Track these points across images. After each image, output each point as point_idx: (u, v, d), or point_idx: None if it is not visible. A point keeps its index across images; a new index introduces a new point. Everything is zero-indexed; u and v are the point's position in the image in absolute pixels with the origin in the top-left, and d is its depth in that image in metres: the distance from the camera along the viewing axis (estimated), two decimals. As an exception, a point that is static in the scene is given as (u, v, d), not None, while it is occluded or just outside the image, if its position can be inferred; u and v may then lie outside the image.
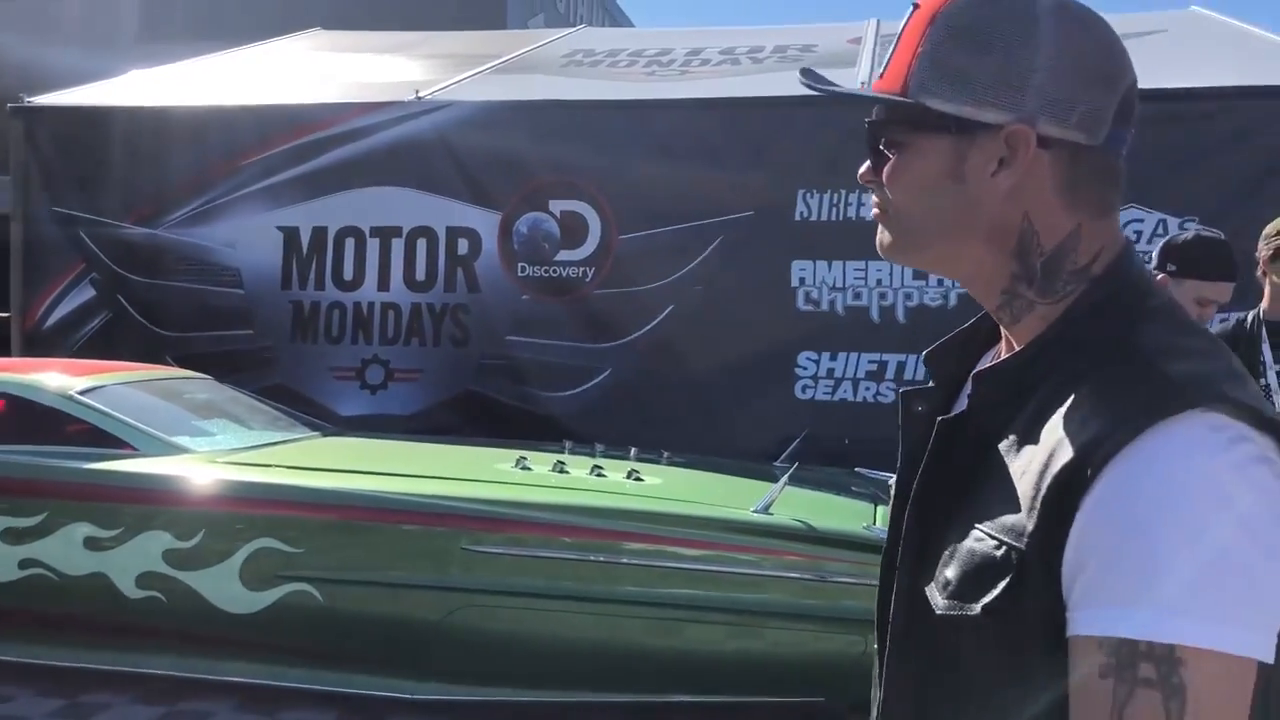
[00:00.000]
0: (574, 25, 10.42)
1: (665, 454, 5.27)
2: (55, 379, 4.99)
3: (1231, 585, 0.81)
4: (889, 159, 1.01)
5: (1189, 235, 3.29)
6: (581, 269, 7.05)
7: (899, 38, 1.01)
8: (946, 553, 0.95)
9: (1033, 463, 0.90)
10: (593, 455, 5.02)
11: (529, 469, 4.67)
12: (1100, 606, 0.83)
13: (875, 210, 1.05)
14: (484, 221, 7.19)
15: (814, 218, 6.75)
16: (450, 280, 7.25)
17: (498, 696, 4.21)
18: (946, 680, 0.95)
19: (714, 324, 6.72)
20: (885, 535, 1.09)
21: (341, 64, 9.26)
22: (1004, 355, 1.03)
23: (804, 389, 6.70)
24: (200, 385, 5.83)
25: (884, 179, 1.01)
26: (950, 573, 0.94)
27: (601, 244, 7.00)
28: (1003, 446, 0.94)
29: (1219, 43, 8.11)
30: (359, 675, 4.26)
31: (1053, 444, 0.89)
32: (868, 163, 1.04)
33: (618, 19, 36.56)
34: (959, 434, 0.99)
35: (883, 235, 1.04)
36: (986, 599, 0.89)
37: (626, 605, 4.10)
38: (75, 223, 7.73)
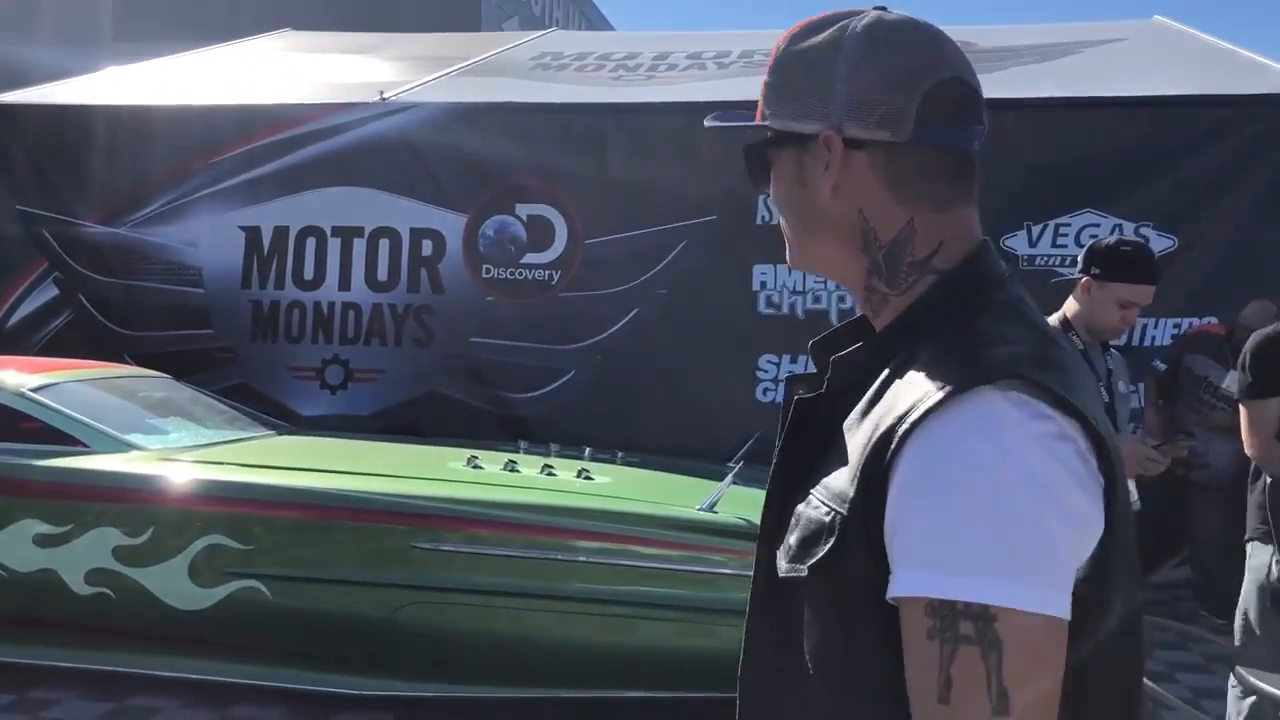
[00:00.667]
0: (548, 28, 10.43)
1: (619, 454, 5.31)
2: (9, 376, 4.98)
3: (1033, 548, 0.87)
4: (760, 176, 1.15)
5: (1112, 240, 3.36)
6: (547, 272, 7.08)
7: None
8: (793, 520, 1.02)
9: (860, 437, 0.98)
10: (546, 455, 5.05)
11: (480, 468, 4.70)
12: (916, 569, 0.89)
13: (776, 221, 1.17)
14: (449, 223, 7.21)
15: (775, 222, 6.75)
16: (414, 281, 7.26)
17: (446, 692, 4.23)
18: (791, 639, 1.01)
19: (678, 327, 6.76)
20: None
21: (310, 64, 9.26)
22: None
23: (764, 391, 6.75)
24: (157, 384, 5.82)
25: (776, 195, 1.13)
26: (792, 538, 1.01)
27: (568, 247, 7.03)
28: (845, 425, 1.01)
29: (1179, 52, 8.22)
30: (308, 671, 4.27)
31: (878, 417, 0.96)
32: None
33: (595, 23, 36.64)
34: (814, 415, 1.06)
35: (787, 250, 1.15)
36: (812, 560, 0.97)
37: (572, 602, 4.14)
38: (38, 221, 7.70)
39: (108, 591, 4.39)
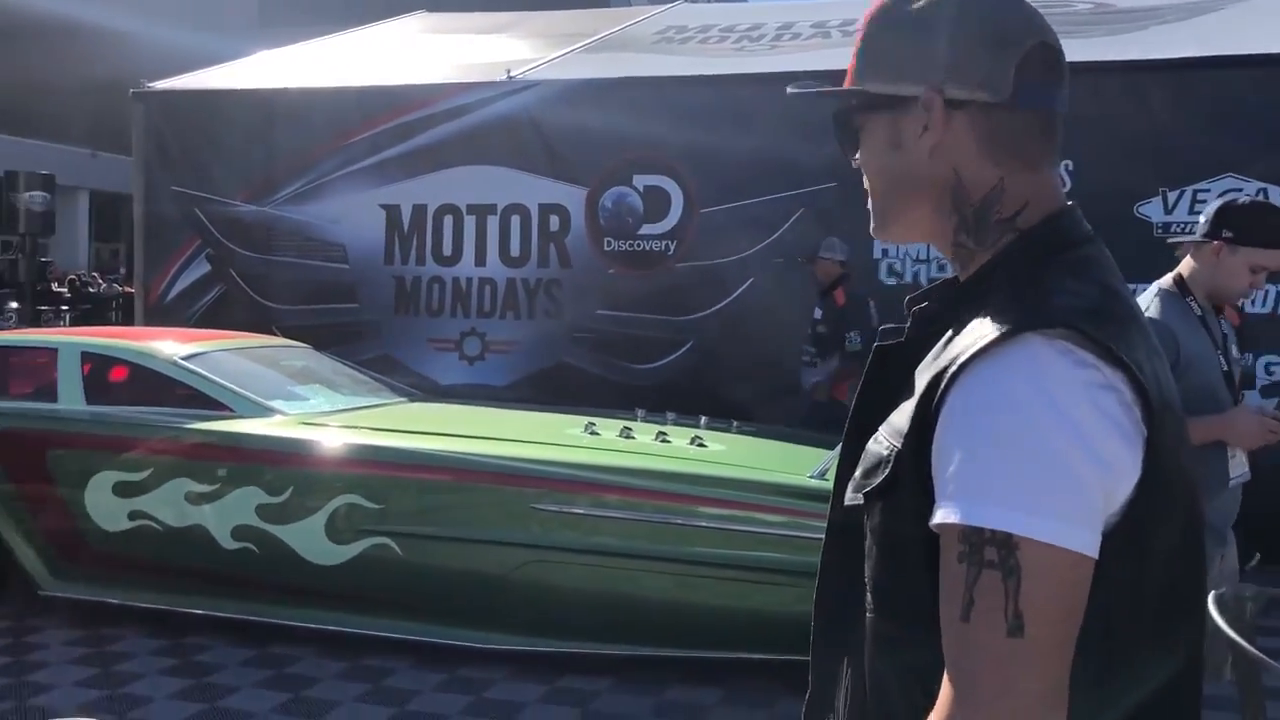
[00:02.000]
0: (673, 2, 10.49)
1: (735, 423, 5.38)
2: (163, 346, 5.34)
3: (1059, 484, 0.93)
4: (850, 143, 1.18)
5: (1245, 201, 3.23)
6: (664, 242, 7.18)
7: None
8: (862, 456, 1.10)
9: (924, 379, 1.04)
10: (662, 423, 5.16)
11: (597, 434, 4.84)
12: (953, 499, 0.95)
13: (865, 189, 1.17)
14: (572, 197, 7.38)
15: None
16: (543, 256, 7.48)
17: (561, 648, 4.39)
18: (854, 566, 1.09)
19: (795, 296, 6.78)
20: None
21: (444, 45, 9.54)
22: None
23: (885, 360, 6.71)
24: (298, 353, 6.14)
25: (865, 161, 1.16)
26: (858, 471, 1.10)
27: (683, 217, 7.11)
28: (918, 369, 1.08)
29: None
30: (434, 625, 4.50)
31: (939, 363, 1.03)
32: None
33: (728, -6, 36.28)
34: (892, 361, 1.13)
35: (872, 218, 1.17)
36: (868, 488, 1.06)
37: (686, 565, 4.24)
38: (191, 201, 8.18)
39: (251, 546, 4.69)
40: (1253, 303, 6.01)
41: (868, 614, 1.07)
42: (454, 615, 4.49)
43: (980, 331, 0.99)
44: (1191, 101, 6.37)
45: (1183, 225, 6.42)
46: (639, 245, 7.23)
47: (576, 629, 4.37)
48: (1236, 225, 3.09)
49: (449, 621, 4.49)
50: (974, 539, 0.93)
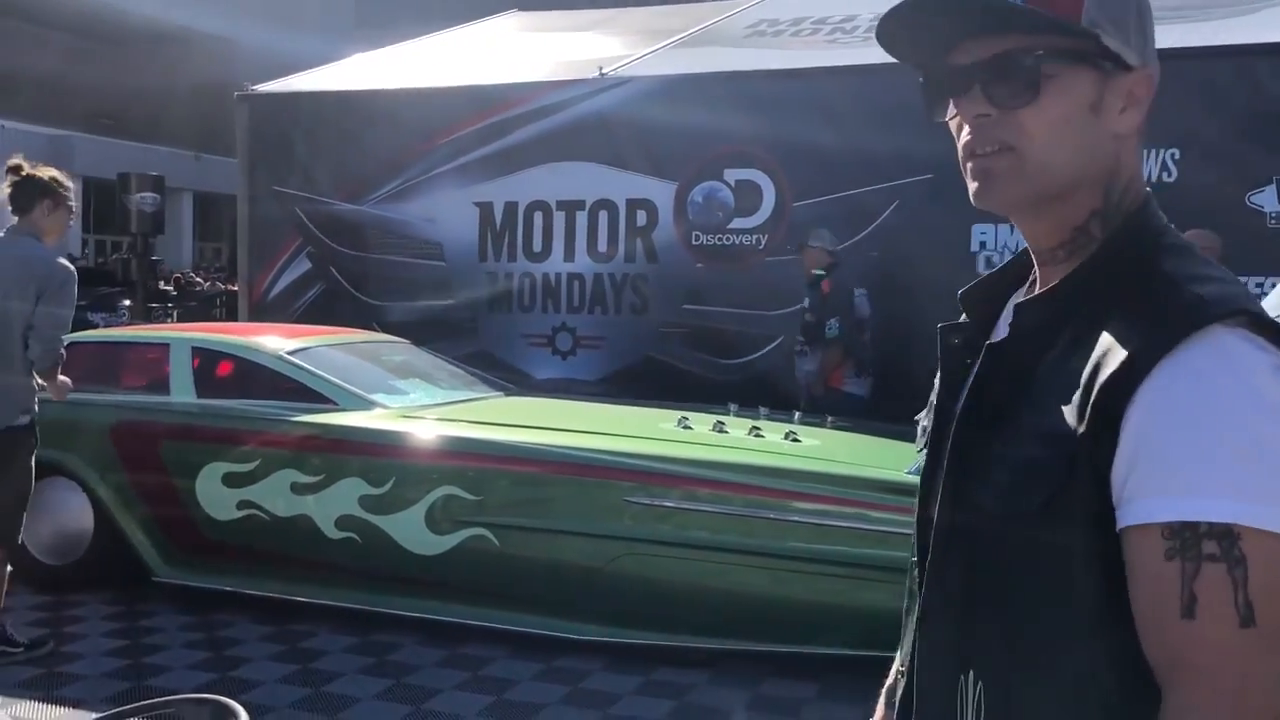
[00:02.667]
0: (762, -3, 10.43)
1: (829, 418, 5.36)
2: (269, 341, 5.52)
3: (1274, 471, 0.91)
4: (1027, 93, 1.01)
5: None
6: (755, 236, 7.17)
7: None
8: (996, 462, 1.03)
9: (1078, 375, 0.99)
10: (755, 418, 5.16)
11: (690, 428, 4.87)
12: (1155, 496, 0.92)
13: (988, 150, 1.03)
14: (661, 192, 7.41)
15: None
16: (630, 251, 7.52)
17: (656, 640, 4.43)
18: (991, 580, 1.03)
19: (889, 290, 6.71)
20: None
21: (536, 43, 9.65)
22: (1039, 290, 1.10)
23: (982, 356, 6.61)
24: (397, 348, 6.29)
25: (1021, 115, 1.02)
26: (1003, 478, 1.02)
27: (775, 211, 7.09)
28: (1045, 366, 1.03)
29: None
30: (530, 615, 4.57)
31: (1098, 357, 0.98)
32: (979, 96, 1.03)
33: (819, -13, 35.89)
34: (1002, 358, 1.08)
35: (1002, 180, 1.03)
36: (1041, 497, 0.98)
37: (779, 559, 4.24)
38: (293, 201, 8.41)
39: (355, 536, 4.82)
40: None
41: (1012, 625, 1.02)
42: (550, 606, 4.56)
43: (1152, 325, 0.96)
44: None
45: (1299, 214, 6.22)
46: (729, 240, 7.23)
47: (672, 622, 4.41)
48: None
49: (545, 612, 4.56)
50: (1186, 534, 0.91)
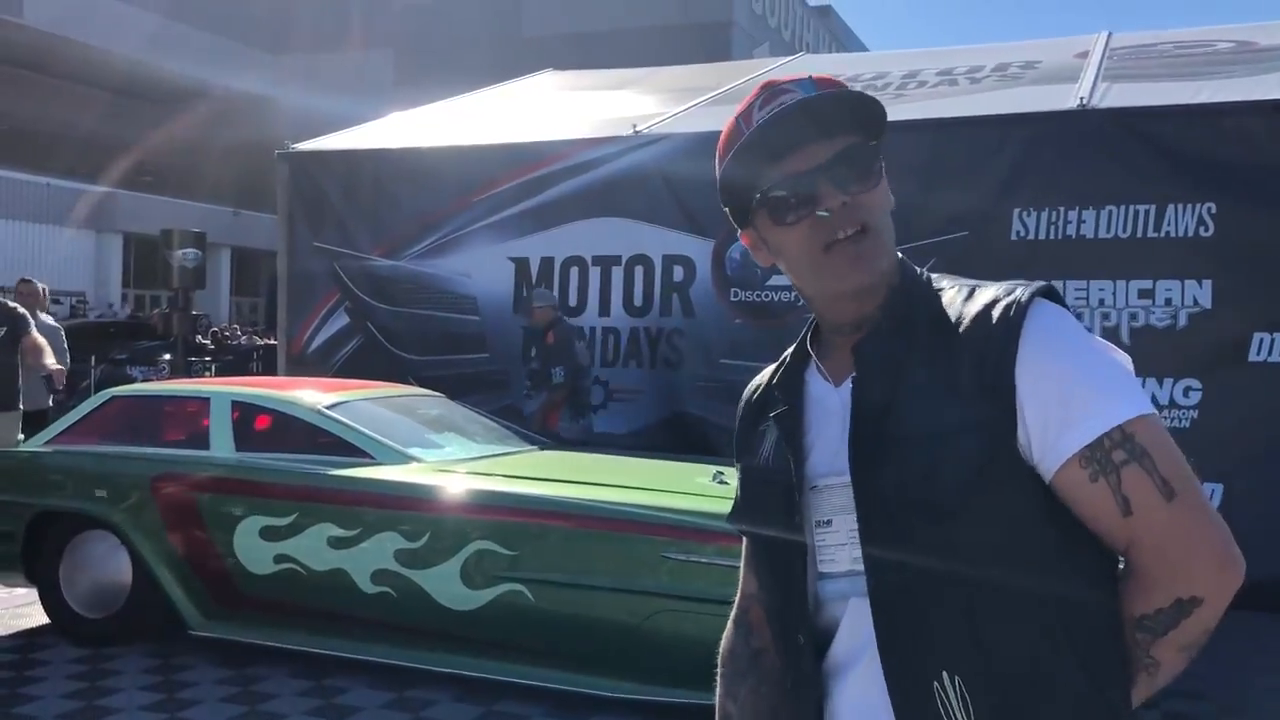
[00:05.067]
0: (797, 53, 10.54)
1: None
2: (306, 395, 5.56)
3: (1125, 379, 1.21)
4: (872, 178, 1.28)
5: None
6: (792, 293, 7.17)
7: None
8: (907, 481, 1.19)
9: (953, 369, 1.20)
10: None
11: (725, 483, 4.84)
12: (1067, 433, 1.15)
13: (849, 232, 1.25)
14: (698, 249, 7.44)
15: (1031, 236, 6.62)
16: (666, 305, 7.54)
17: (696, 699, 4.37)
18: (946, 584, 1.18)
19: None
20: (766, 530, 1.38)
21: (570, 102, 9.78)
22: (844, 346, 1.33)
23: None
24: (433, 402, 6.32)
25: (865, 199, 1.27)
26: (915, 474, 1.19)
27: (812, 268, 7.10)
28: (912, 382, 1.23)
29: None
30: (566, 672, 4.54)
31: (963, 350, 1.21)
32: (831, 189, 1.26)
33: (847, 44, 36.37)
34: (865, 397, 1.26)
35: (869, 257, 1.26)
36: (970, 474, 1.17)
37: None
38: (331, 256, 8.51)
39: (390, 591, 4.82)
40: None
41: (968, 607, 1.16)
42: (585, 663, 4.52)
43: (999, 305, 1.21)
44: None
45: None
46: (766, 296, 7.24)
47: (709, 679, 4.34)
48: None
49: (580, 669, 4.52)
50: (1098, 454, 1.14)
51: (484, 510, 4.79)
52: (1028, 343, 1.17)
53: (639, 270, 7.62)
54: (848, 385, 1.28)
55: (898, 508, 1.19)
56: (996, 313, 1.20)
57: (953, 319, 1.24)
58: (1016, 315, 1.19)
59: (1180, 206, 6.35)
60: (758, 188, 1.27)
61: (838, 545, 1.26)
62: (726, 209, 1.36)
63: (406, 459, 5.15)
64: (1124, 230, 6.49)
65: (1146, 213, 6.44)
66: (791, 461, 1.31)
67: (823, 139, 1.25)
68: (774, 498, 1.32)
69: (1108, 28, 8.90)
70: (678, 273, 7.53)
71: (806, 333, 1.38)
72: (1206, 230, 6.30)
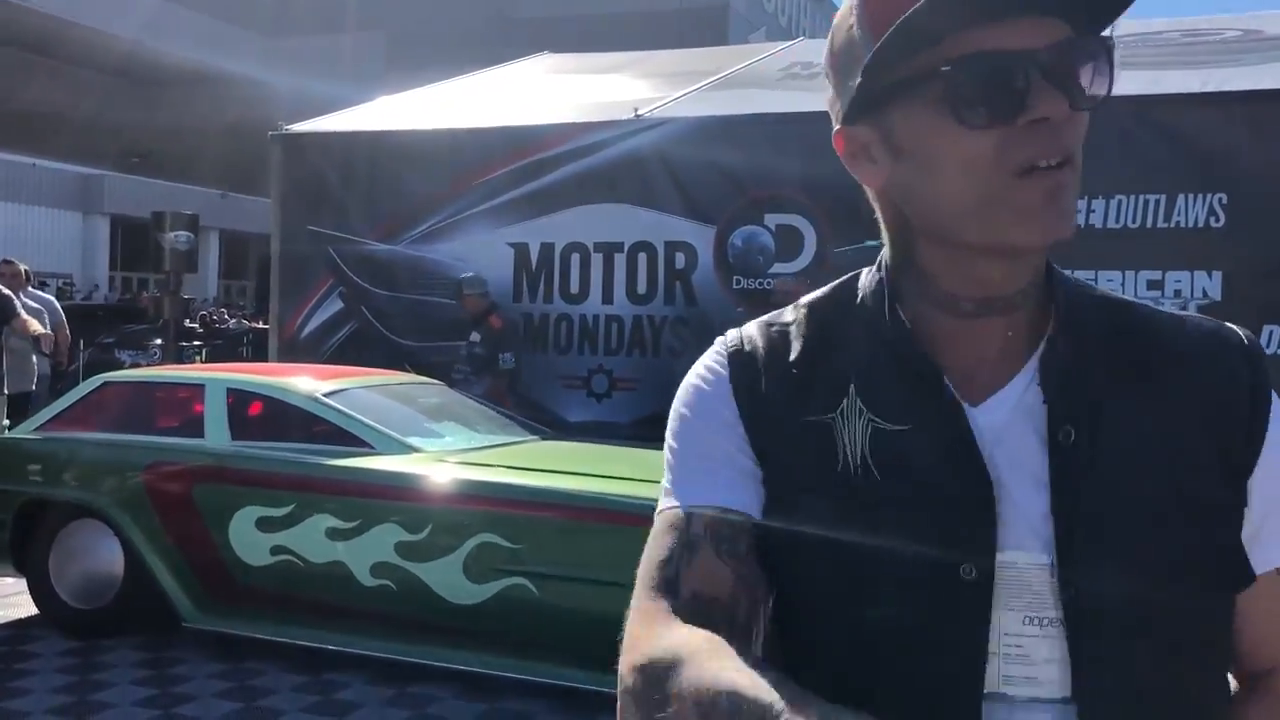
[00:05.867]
0: (795, 38, 10.41)
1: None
2: (304, 382, 5.44)
3: None
4: (1108, 88, 0.88)
5: None
6: (797, 278, 7.06)
7: None
8: (1143, 583, 0.88)
9: (1175, 426, 0.92)
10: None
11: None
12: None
13: (1055, 160, 0.86)
14: (700, 236, 7.33)
15: None
16: (669, 293, 7.43)
17: (703, 697, 4.28)
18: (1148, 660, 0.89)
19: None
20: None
21: (568, 85, 9.63)
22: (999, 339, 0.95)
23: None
24: (432, 390, 6.20)
25: (1085, 124, 0.89)
26: (1166, 602, 0.89)
27: (816, 256, 7.00)
28: (1129, 431, 0.91)
29: None
30: (570, 669, 4.43)
31: (1197, 400, 0.93)
32: (1055, 91, 0.85)
33: (843, 31, 35.98)
34: (1077, 443, 0.90)
35: (1071, 203, 0.88)
36: (1215, 598, 0.93)
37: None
38: (325, 240, 8.37)
39: (390, 584, 4.70)
40: None
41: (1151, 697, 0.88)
42: (592, 659, 4.41)
43: (1225, 345, 0.96)
44: None
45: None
46: (769, 284, 7.13)
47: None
48: None
49: (587, 665, 4.41)
50: None
51: (487, 502, 4.68)
52: (1276, 423, 0.93)
53: (642, 257, 7.50)
54: (998, 407, 0.92)
55: (1126, 621, 0.88)
56: (1238, 368, 0.95)
57: (1176, 354, 0.95)
58: (1263, 382, 0.94)
59: (1191, 197, 6.26)
60: (946, 55, 0.85)
61: (1018, 655, 0.88)
62: (845, 85, 0.92)
63: (407, 449, 5.04)
64: (1134, 220, 6.41)
65: (1157, 202, 6.35)
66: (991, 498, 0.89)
67: (1064, 12, 0.87)
68: (922, 536, 0.89)
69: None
70: (679, 260, 7.41)
71: (886, 300, 0.96)
72: (1217, 221, 6.22)
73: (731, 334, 1.04)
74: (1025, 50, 0.84)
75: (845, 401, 0.94)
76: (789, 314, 1.03)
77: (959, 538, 0.88)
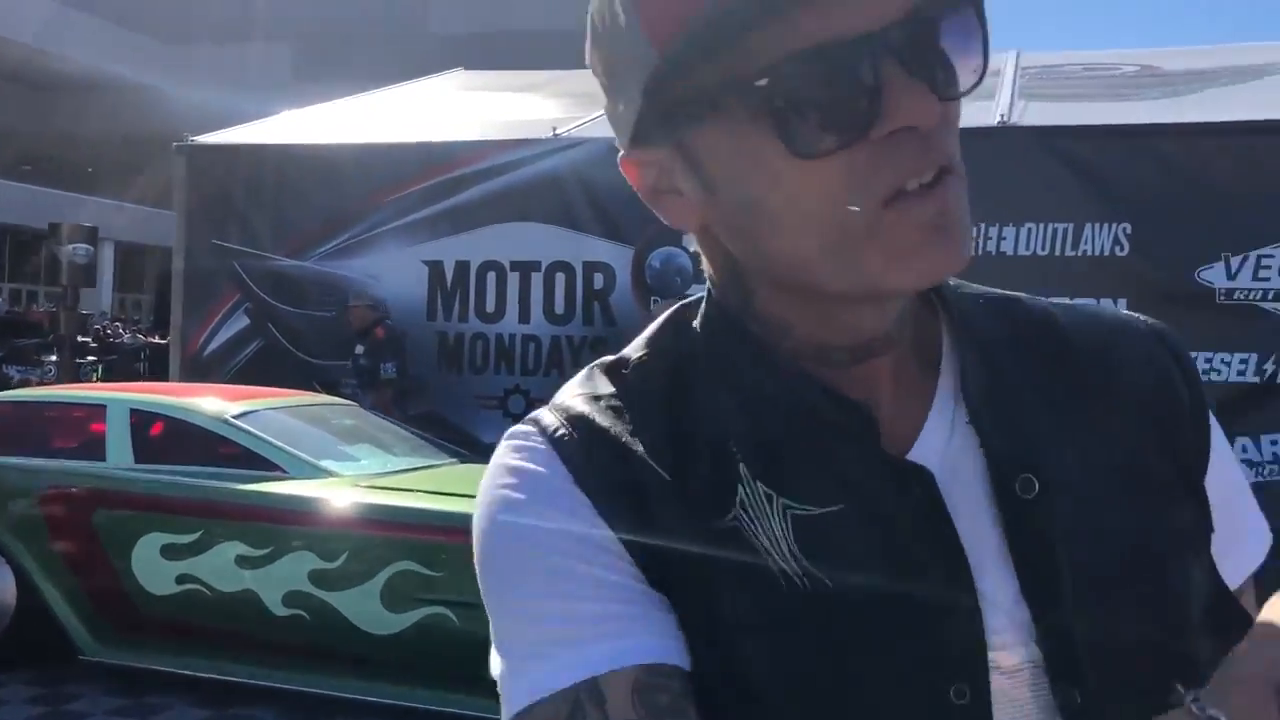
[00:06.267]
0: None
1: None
2: (212, 403, 5.25)
3: None
4: (982, 68, 0.65)
5: None
6: (718, 302, 7.09)
7: None
8: (1141, 637, 0.70)
9: (1113, 442, 0.73)
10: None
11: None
12: (1238, 547, 0.79)
13: (929, 176, 0.63)
14: (618, 256, 7.31)
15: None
16: (588, 314, 7.39)
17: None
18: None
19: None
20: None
21: (484, 102, 9.54)
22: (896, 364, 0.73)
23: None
24: (346, 411, 6.04)
25: (957, 115, 0.66)
26: (1178, 649, 0.70)
27: (735, 279, 7.03)
28: (1073, 460, 0.72)
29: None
30: (491, 701, 4.31)
31: (1134, 408, 0.75)
32: (931, 80, 0.62)
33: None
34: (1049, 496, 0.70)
35: (963, 220, 0.64)
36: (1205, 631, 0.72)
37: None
38: (231, 255, 8.13)
39: (303, 614, 4.55)
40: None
41: None
42: (514, 689, 4.32)
43: (1149, 339, 0.79)
44: (1254, 166, 6.28)
45: (1246, 291, 6.31)
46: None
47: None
48: None
49: (508, 696, 4.32)
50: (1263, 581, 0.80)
51: (404, 528, 4.56)
52: (1215, 426, 0.79)
53: (560, 277, 7.44)
54: (925, 458, 0.70)
55: (1135, 688, 0.67)
56: (1168, 367, 0.77)
57: (1100, 358, 0.76)
58: (1195, 379, 0.78)
59: (1097, 225, 6.44)
60: (758, 59, 0.61)
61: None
62: (623, 92, 0.68)
63: (320, 473, 4.89)
64: (1043, 248, 6.56)
65: (1064, 231, 6.52)
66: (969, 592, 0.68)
67: None
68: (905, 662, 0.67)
69: (1014, 46, 9.02)
70: (598, 280, 7.37)
71: (754, 344, 0.73)
72: (1122, 250, 6.41)
73: (545, 417, 0.74)
74: (867, 34, 0.60)
75: (742, 490, 0.68)
76: (605, 383, 0.75)
77: (945, 650, 0.66)
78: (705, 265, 0.75)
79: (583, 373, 0.78)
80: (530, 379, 7.42)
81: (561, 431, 0.72)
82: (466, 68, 11.57)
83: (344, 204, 7.93)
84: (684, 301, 0.78)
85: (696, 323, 0.75)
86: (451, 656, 4.38)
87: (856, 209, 0.62)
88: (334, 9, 26.96)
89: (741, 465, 0.69)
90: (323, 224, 7.98)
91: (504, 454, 0.74)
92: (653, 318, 0.80)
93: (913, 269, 0.64)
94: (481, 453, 6.71)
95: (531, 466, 0.71)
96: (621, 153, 0.72)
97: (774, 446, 0.69)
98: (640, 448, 0.70)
